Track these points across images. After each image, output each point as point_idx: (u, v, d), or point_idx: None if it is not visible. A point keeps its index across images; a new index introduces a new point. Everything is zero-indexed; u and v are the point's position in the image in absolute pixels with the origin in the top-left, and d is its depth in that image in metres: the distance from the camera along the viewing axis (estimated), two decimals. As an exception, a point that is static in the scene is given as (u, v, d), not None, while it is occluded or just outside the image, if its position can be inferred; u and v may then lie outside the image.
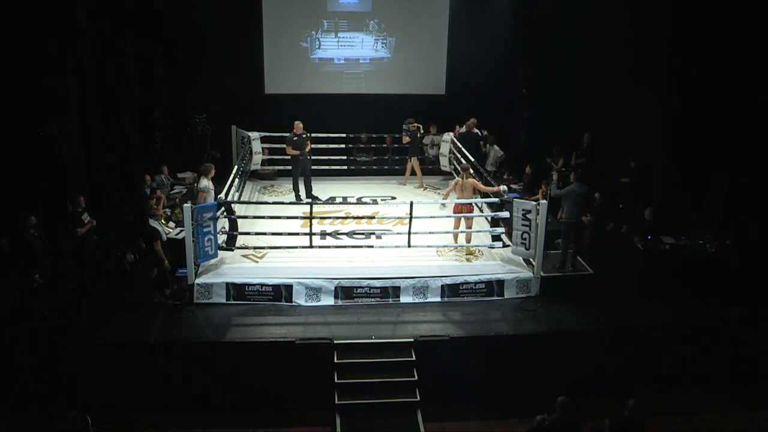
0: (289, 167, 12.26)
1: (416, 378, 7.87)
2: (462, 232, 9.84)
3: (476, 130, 12.84)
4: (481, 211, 11.12)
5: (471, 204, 9.79)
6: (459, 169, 10.40)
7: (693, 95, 10.65)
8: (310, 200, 11.69)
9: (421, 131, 12.73)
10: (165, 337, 8.04)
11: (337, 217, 10.94)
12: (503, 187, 9.78)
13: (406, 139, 12.51)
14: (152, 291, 8.90)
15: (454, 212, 9.73)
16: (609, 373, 8.10)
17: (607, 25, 12.50)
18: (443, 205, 10.52)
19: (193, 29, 13.24)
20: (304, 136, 11.74)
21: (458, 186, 9.82)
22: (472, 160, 11.48)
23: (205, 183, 10.01)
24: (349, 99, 14.15)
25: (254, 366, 7.90)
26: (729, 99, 10.28)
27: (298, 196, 11.93)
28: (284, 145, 11.85)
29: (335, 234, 10.24)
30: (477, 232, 10.23)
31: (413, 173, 12.96)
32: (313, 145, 12.13)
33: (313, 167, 12.32)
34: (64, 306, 8.47)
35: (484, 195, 10.09)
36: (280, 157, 12.47)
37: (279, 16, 14.02)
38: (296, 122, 11.68)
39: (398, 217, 10.80)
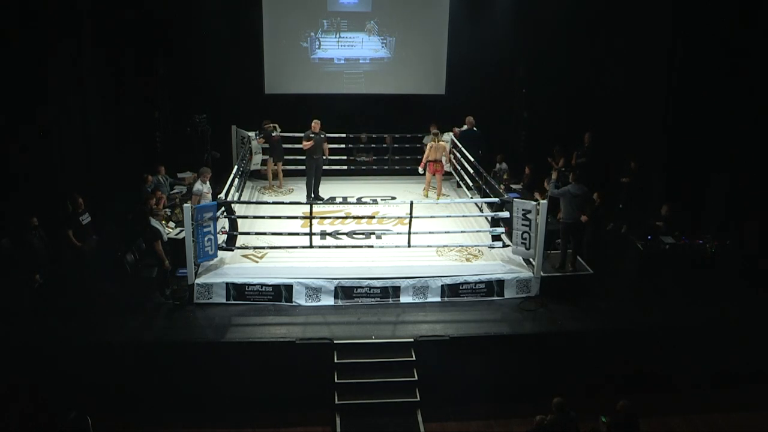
0: (290, 167, 12.27)
1: (416, 378, 7.86)
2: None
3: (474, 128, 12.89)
4: (481, 211, 11.14)
5: (441, 163, 11.66)
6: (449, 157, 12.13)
7: (693, 95, 10.66)
8: (314, 200, 11.71)
9: (277, 130, 12.41)
10: (165, 337, 8.04)
11: (337, 217, 10.94)
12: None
13: (260, 141, 12.29)
14: (152, 291, 8.91)
15: (429, 171, 11.78)
16: (609, 373, 8.10)
17: (607, 25, 12.51)
18: (423, 171, 12.02)
19: (193, 29, 13.23)
20: (321, 135, 11.76)
21: (432, 148, 11.64)
22: (472, 159, 11.51)
23: (198, 186, 10.04)
24: (349, 99, 14.14)
25: (254, 366, 7.89)
26: (729, 99, 10.29)
27: (309, 195, 11.92)
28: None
29: (335, 234, 10.23)
30: (477, 232, 10.26)
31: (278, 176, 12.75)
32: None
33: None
34: (64, 306, 8.47)
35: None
36: (293, 157, 12.45)
37: (279, 16, 14.02)
38: (314, 121, 11.68)
39: (398, 217, 10.80)
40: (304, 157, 12.00)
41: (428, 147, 11.79)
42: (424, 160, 11.84)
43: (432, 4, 14.29)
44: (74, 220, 9.17)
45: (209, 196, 9.84)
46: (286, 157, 12.72)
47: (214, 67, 13.37)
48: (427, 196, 11.96)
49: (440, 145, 11.76)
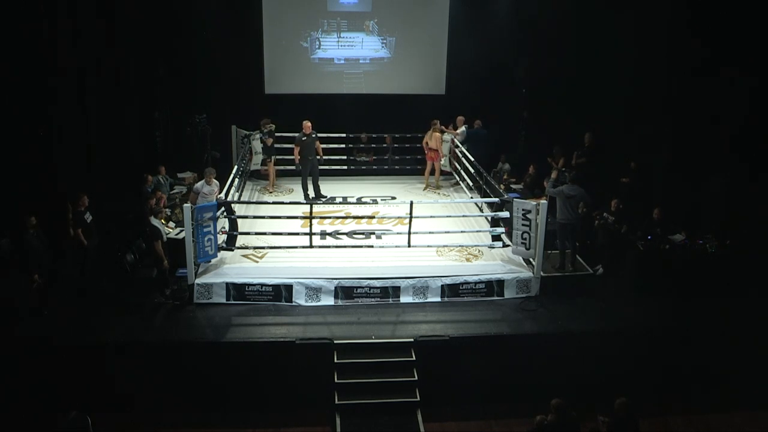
0: (291, 167, 12.27)
1: (416, 378, 7.87)
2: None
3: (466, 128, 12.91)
4: (481, 211, 11.15)
5: (437, 151, 12.48)
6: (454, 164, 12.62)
7: (693, 95, 10.64)
8: (316, 200, 11.72)
9: (272, 133, 12.28)
10: (165, 337, 8.04)
11: (337, 217, 10.95)
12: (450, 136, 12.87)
13: (269, 142, 12.18)
14: (152, 291, 8.91)
15: (427, 159, 12.67)
16: (609, 373, 8.09)
17: (607, 25, 12.50)
18: (427, 144, 12.60)
19: (193, 29, 13.23)
20: (313, 136, 11.73)
21: (428, 136, 12.47)
22: (472, 159, 11.52)
23: (198, 185, 10.06)
24: (349, 99, 14.14)
25: (254, 366, 7.90)
26: (729, 99, 10.28)
27: (306, 195, 11.91)
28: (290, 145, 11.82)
29: (335, 234, 10.23)
30: (477, 232, 10.26)
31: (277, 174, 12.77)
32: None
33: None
34: (64, 306, 8.47)
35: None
36: (288, 156, 12.45)
37: (279, 16, 14.02)
38: (305, 122, 11.66)
39: (398, 217, 10.79)
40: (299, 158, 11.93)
41: (427, 134, 12.48)
42: (425, 141, 12.61)
43: (432, 4, 14.29)
44: (80, 219, 9.16)
45: (213, 197, 9.80)
46: (284, 157, 12.69)
47: (215, 67, 13.38)
48: (426, 181, 12.88)
49: (436, 135, 12.37)
